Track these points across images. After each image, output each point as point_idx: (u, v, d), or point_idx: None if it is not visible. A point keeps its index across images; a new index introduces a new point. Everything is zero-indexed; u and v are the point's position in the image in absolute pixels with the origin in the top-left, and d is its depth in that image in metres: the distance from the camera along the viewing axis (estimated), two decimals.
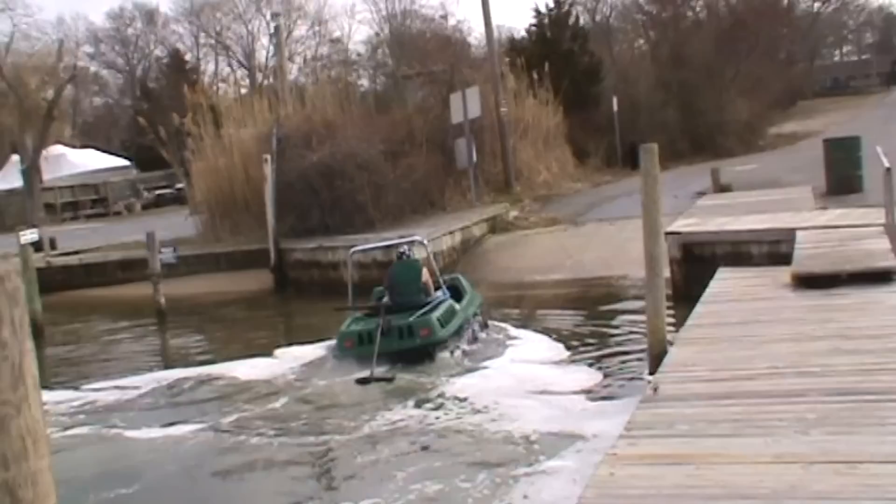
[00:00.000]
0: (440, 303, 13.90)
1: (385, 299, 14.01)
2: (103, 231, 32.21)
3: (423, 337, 13.11)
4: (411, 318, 13.25)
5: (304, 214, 23.27)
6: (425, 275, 14.27)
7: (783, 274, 12.42)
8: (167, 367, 15.62)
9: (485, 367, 12.95)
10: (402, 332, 13.13)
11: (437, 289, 14.44)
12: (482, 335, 14.88)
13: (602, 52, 46.86)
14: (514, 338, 14.88)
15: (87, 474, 9.89)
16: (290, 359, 14.48)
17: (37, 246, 23.17)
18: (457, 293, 14.98)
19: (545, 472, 8.70)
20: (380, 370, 12.67)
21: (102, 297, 22.66)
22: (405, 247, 15.08)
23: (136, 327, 19.55)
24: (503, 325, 15.80)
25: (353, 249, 16.23)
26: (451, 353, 13.46)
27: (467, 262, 21.35)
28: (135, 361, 16.46)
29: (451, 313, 13.83)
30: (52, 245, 27.40)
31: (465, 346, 13.92)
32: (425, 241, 16.14)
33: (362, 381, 12.43)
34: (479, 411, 10.95)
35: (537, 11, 41.83)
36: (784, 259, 13.45)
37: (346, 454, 10.07)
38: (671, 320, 11.66)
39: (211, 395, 13.24)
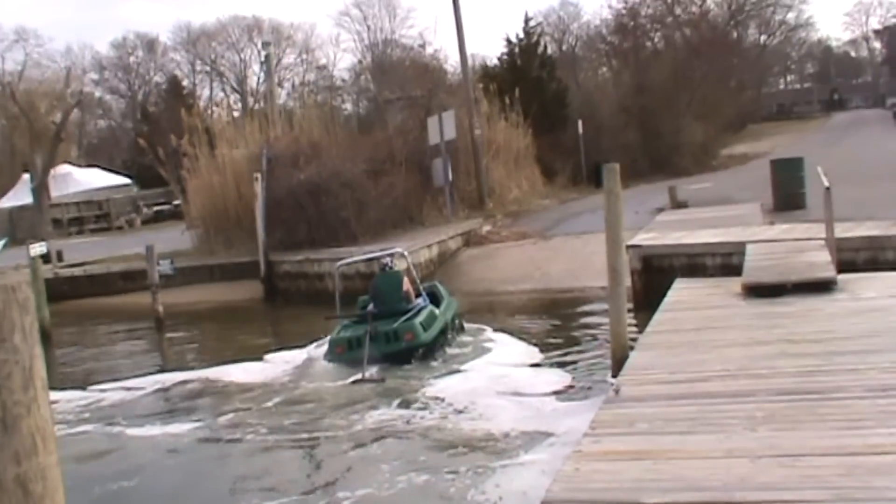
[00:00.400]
0: (421, 309, 14.07)
1: (370, 307, 14.09)
2: (106, 244, 32.05)
3: (407, 340, 13.36)
4: (396, 324, 13.47)
5: (292, 229, 23.29)
6: (406, 284, 14.43)
7: (734, 284, 12.49)
8: (165, 370, 15.56)
9: (464, 370, 13.06)
10: (388, 337, 13.38)
11: (417, 296, 14.56)
12: (460, 338, 15.09)
13: (568, 79, 47.09)
14: (490, 340, 14.96)
15: (90, 470, 9.86)
16: (281, 362, 14.51)
17: (45, 258, 23.07)
18: (435, 299, 15.12)
19: (519, 465, 8.76)
20: (370, 371, 12.87)
21: (105, 306, 22.58)
22: (388, 258, 15.30)
23: (136, 333, 19.51)
24: (481, 326, 15.87)
25: (338, 263, 16.39)
26: (435, 355, 13.66)
27: (444, 273, 21.35)
28: (135, 364, 16.40)
29: (432, 318, 14.02)
30: (59, 257, 27.28)
31: (445, 348, 14.15)
32: (405, 253, 16.39)
33: (357, 382, 12.61)
34: (459, 411, 10.97)
35: (508, 41, 42.01)
36: (735, 270, 13.54)
37: (336, 449, 10.07)
38: (632, 327, 11.66)
39: (206, 397, 13.26)
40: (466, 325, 15.88)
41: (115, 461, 10.37)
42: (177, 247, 26.19)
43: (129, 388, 14.09)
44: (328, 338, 14.15)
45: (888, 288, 11.38)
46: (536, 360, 13.55)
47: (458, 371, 13.03)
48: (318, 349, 14.56)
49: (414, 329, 13.43)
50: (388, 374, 12.92)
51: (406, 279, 14.57)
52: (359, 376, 12.73)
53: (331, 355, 13.75)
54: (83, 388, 14.17)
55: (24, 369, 2.35)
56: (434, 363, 13.47)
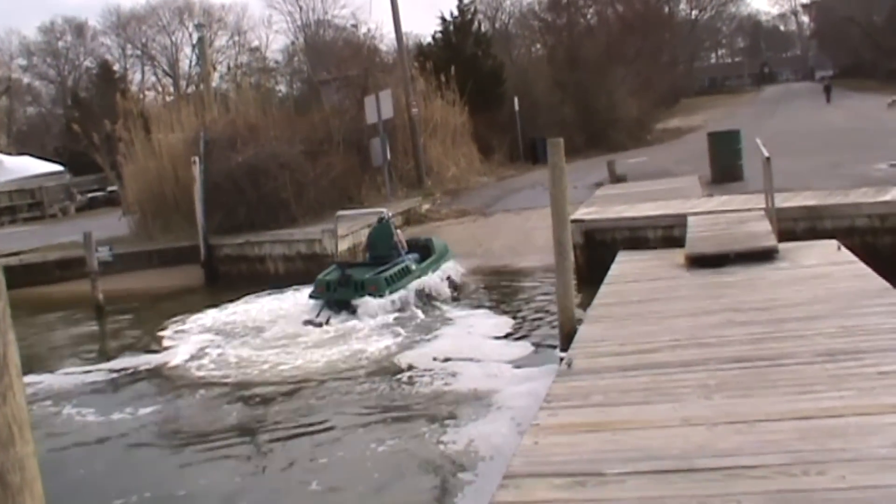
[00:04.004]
0: (397, 264, 16.12)
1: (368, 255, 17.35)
2: (41, 233, 31.39)
3: (370, 292, 15.29)
4: (366, 276, 15.58)
5: (232, 212, 23.00)
6: (398, 234, 16.98)
7: (677, 255, 12.61)
8: (108, 356, 15.43)
9: (436, 336, 13.92)
10: (356, 286, 15.43)
11: (406, 252, 16.72)
12: (447, 292, 16.71)
13: (503, 56, 47.05)
14: (455, 314, 15.47)
15: (43, 456, 9.70)
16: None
17: None
18: (428, 252, 17.42)
19: (488, 420, 9.48)
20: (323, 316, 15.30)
21: (42, 295, 22.11)
22: (384, 211, 17.82)
23: (76, 322, 19.17)
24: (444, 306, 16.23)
25: (339, 213, 18.93)
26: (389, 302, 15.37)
27: None
28: (76, 352, 16.19)
29: (404, 272, 16.01)
30: None
31: (412, 300, 15.75)
32: (389, 214, 17.99)
33: (307, 323, 15.13)
34: (431, 371, 11.85)
35: (443, 19, 41.89)
36: (677, 242, 13.66)
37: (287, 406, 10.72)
38: (578, 301, 11.73)
39: (154, 379, 13.31)
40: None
41: (67, 448, 10.30)
42: (114, 233, 25.75)
43: (72, 374, 14.08)
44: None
45: (827, 255, 11.56)
46: (495, 332, 13.89)
47: (428, 338, 13.81)
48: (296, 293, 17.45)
49: (378, 282, 15.38)
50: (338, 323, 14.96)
51: (398, 231, 17.07)
52: (310, 318, 15.25)
53: (313, 292, 15.98)
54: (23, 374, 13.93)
55: None
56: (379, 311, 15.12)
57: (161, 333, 16.42)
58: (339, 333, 14.50)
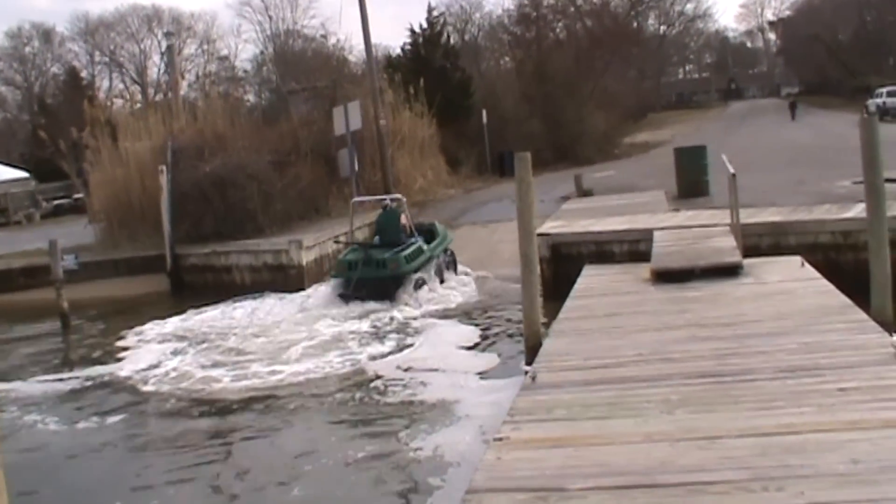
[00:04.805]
0: (411, 244, 17.85)
1: (377, 239, 18.69)
2: (5, 240, 31.05)
3: (392, 269, 17.02)
4: (386, 255, 17.21)
5: (199, 222, 22.88)
6: (404, 219, 18.76)
7: (643, 270, 12.67)
8: (71, 365, 15.38)
9: (405, 346, 14.16)
10: (378, 264, 17.10)
11: (412, 235, 18.46)
12: (449, 274, 18.94)
13: (472, 69, 47.17)
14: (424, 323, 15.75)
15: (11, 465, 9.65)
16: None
17: None
18: (432, 235, 19.21)
19: (454, 430, 9.58)
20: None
21: (7, 303, 21.94)
22: (387, 200, 19.58)
23: (41, 330, 18.98)
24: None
25: (354, 199, 21.37)
26: (416, 284, 17.25)
27: None
28: (40, 361, 16.03)
29: (418, 252, 17.77)
30: None
31: (430, 281, 17.71)
32: (403, 199, 19.86)
33: (342, 296, 17.09)
34: (401, 381, 12.02)
35: (412, 31, 42.01)
36: (643, 256, 13.72)
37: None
38: (544, 314, 11.76)
39: (118, 389, 13.22)
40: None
41: (33, 457, 10.26)
42: (79, 241, 25.56)
43: (42, 382, 13.99)
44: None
45: (791, 271, 11.68)
46: (466, 342, 14.04)
47: (404, 347, 14.10)
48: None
49: (399, 260, 17.10)
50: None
51: (403, 215, 18.82)
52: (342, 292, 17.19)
53: (335, 271, 18.01)
54: None
55: None
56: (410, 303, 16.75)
57: (124, 343, 16.34)
58: (315, 342, 14.61)
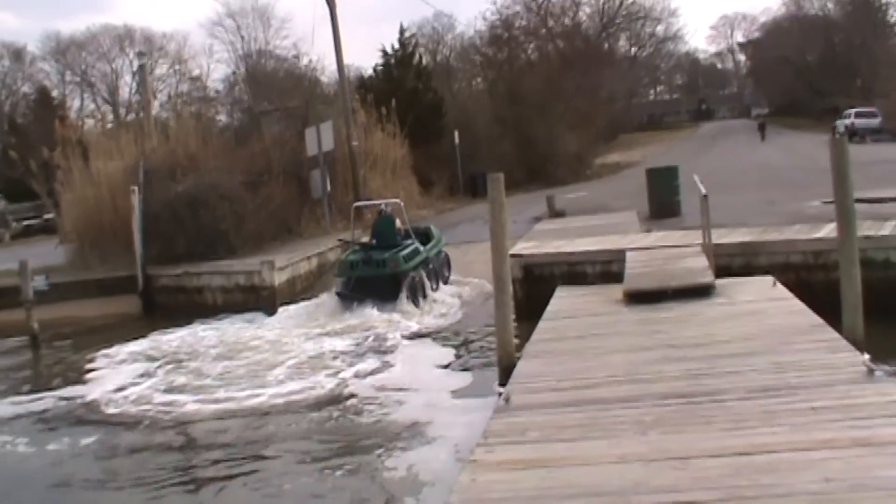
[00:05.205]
0: (408, 246, 18.79)
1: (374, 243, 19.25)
2: None
3: (391, 268, 17.93)
4: (386, 255, 18.10)
5: (170, 242, 22.79)
6: (398, 223, 19.61)
7: (616, 291, 12.68)
8: (40, 386, 15.26)
9: (381, 365, 14.08)
10: (378, 264, 18.01)
11: (408, 237, 19.39)
12: (446, 273, 20.62)
13: (444, 90, 47.26)
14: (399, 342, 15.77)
15: None
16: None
17: None
18: (427, 238, 20.29)
19: (429, 449, 9.64)
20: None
21: None
22: (383, 204, 20.69)
23: (10, 351, 18.81)
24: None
25: (356, 204, 22.87)
26: (414, 281, 18.21)
27: (324, 284, 21.21)
28: (9, 382, 15.89)
29: (415, 253, 18.75)
30: None
31: (426, 281, 18.76)
32: (401, 203, 21.00)
33: (339, 295, 18.41)
34: (377, 400, 12.04)
35: (384, 52, 42.16)
36: (616, 277, 13.77)
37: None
38: (517, 335, 11.76)
39: (87, 411, 13.11)
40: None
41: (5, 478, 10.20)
42: (50, 262, 25.37)
43: (13, 404, 13.87)
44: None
45: (763, 291, 11.73)
46: (441, 362, 14.05)
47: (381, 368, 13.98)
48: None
49: (398, 259, 18.02)
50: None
51: (398, 220, 19.67)
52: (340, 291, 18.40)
53: (338, 271, 18.91)
54: None
55: None
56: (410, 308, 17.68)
57: (93, 364, 16.22)
58: (293, 362, 14.67)
